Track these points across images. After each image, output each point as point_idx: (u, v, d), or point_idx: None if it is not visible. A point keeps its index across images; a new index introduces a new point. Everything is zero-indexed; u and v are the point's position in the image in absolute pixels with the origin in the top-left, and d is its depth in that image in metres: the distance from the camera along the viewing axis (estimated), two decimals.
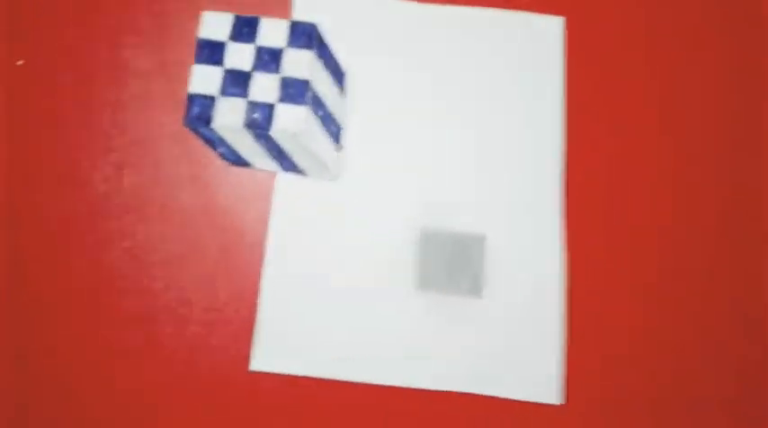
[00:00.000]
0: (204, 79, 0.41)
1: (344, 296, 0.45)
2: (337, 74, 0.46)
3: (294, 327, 0.45)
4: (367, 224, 0.46)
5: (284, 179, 0.48)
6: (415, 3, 0.50)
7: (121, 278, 0.47)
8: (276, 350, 0.45)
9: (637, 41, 0.50)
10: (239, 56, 0.42)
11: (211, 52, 0.42)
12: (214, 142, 0.42)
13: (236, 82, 0.41)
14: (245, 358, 0.45)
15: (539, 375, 0.45)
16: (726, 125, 0.49)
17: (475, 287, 0.46)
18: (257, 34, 0.42)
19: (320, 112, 0.42)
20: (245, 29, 0.42)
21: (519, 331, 0.46)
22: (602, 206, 0.48)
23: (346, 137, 0.49)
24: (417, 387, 0.44)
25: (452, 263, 0.46)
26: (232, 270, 0.47)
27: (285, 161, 0.44)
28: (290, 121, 0.40)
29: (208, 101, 0.41)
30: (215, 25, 0.43)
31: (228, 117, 0.40)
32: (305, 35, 0.42)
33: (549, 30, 0.49)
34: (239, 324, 0.46)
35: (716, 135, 0.49)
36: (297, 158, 0.43)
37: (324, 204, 0.47)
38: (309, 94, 0.40)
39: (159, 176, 0.50)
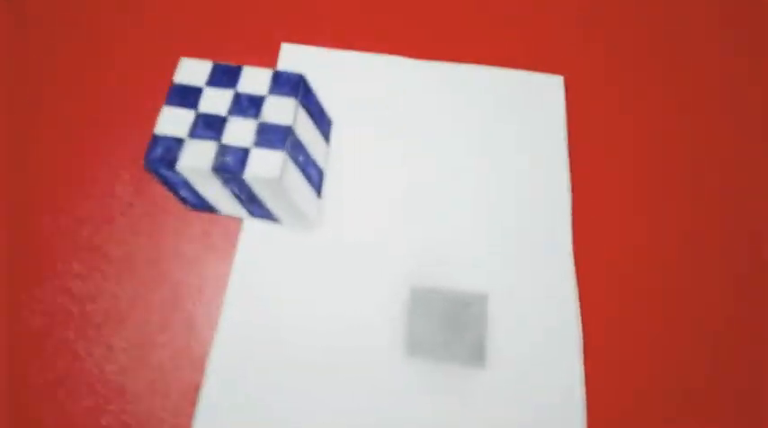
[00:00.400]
0: (172, 121, 0.38)
1: (315, 364, 0.37)
2: (322, 122, 0.42)
3: (248, 399, 0.36)
4: (347, 279, 0.39)
5: (252, 226, 0.41)
6: (410, 59, 0.47)
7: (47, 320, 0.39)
8: (221, 424, 0.35)
9: (632, 92, 0.48)
10: (215, 101, 0.39)
11: (184, 95, 0.40)
12: (176, 185, 0.37)
13: (209, 125, 0.38)
14: None
15: None
16: (728, 167, 0.44)
17: (476, 355, 0.37)
18: (238, 81, 0.40)
19: (300, 158, 0.38)
20: (224, 76, 0.40)
21: (532, 407, 0.37)
22: (611, 258, 0.42)
23: (328, 185, 0.43)
24: None
25: (449, 326, 0.38)
26: (182, 326, 0.38)
27: (257, 207, 0.38)
28: (266, 166, 0.36)
29: (173, 143, 0.37)
30: (192, 71, 0.40)
31: (196, 159, 0.37)
32: (289, 83, 0.40)
33: (549, 84, 0.46)
34: (181, 391, 0.36)
35: (716, 180, 0.44)
36: (271, 205, 0.38)
37: (297, 255, 0.40)
38: (290, 140, 0.37)
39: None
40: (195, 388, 0.39)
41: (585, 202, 0.44)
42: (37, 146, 0.46)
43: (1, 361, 0.39)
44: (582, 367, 0.38)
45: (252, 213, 0.41)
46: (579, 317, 0.39)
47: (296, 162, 0.39)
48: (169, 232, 0.43)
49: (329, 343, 0.38)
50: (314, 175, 0.41)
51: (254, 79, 0.41)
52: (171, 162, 0.37)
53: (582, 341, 0.39)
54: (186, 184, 0.38)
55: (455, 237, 0.41)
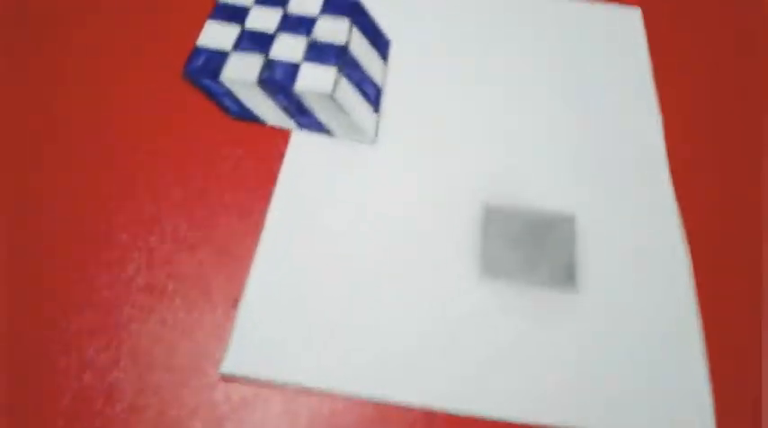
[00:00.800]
0: (216, 35, 0.35)
1: (370, 285, 0.31)
2: (379, 42, 0.38)
3: (290, 325, 0.31)
4: (409, 195, 0.34)
5: (302, 138, 0.37)
6: None
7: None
8: (260, 350, 0.30)
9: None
10: (263, 18, 0.36)
11: (230, 12, 0.37)
12: (219, 95, 0.34)
13: (255, 40, 0.36)
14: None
15: (681, 407, 0.29)
16: None
17: (565, 277, 0.31)
18: (288, 1, 0.37)
19: (355, 74, 0.34)
20: (271, 2, 0.38)
21: (640, 341, 0.30)
22: (710, 183, 0.36)
23: (388, 104, 0.38)
24: (476, 416, 0.27)
25: (530, 246, 0.32)
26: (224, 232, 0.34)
27: (307, 119, 0.34)
28: (318, 80, 0.32)
29: (216, 54, 0.33)
30: None
31: (240, 71, 0.34)
32: (343, 4, 0.37)
33: (627, 16, 0.41)
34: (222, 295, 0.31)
35: None
36: (323, 118, 0.34)
37: (351, 166, 0.35)
38: (343, 57, 0.34)
39: None
40: (236, 296, 0.33)
41: (674, 126, 0.39)
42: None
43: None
44: (694, 293, 0.32)
45: (301, 125, 0.36)
46: (685, 241, 0.33)
47: (349, 78, 0.35)
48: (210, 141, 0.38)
49: (385, 261, 0.33)
50: (370, 92, 0.37)
51: (304, 4, 0.37)
52: (214, 72, 0.34)
53: (691, 264, 0.33)
54: (229, 94, 0.35)
55: (531, 159, 0.36)
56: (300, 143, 0.37)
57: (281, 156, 0.37)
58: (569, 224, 0.33)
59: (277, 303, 0.32)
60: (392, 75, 0.40)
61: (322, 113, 0.34)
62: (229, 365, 0.30)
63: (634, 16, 0.41)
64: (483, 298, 0.31)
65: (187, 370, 0.30)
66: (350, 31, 0.36)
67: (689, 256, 0.33)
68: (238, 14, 0.37)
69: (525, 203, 0.34)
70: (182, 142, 0.38)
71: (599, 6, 0.42)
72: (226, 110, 0.37)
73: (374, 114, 0.36)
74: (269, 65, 0.34)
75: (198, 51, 0.35)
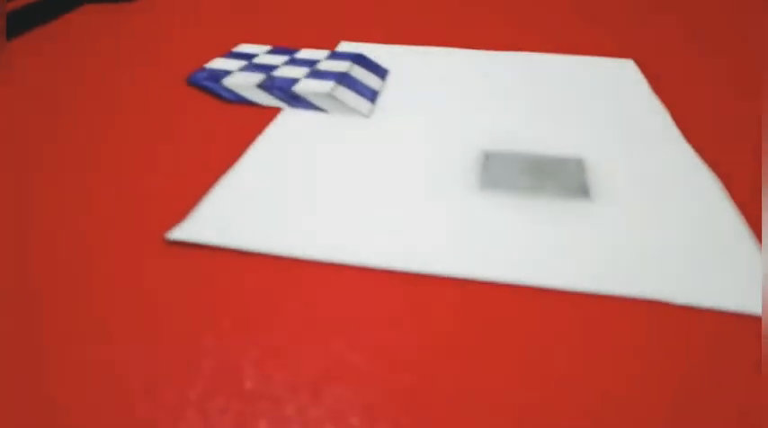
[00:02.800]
0: (223, 65, 0.38)
1: (361, 194, 0.27)
2: (378, 71, 0.39)
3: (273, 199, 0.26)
4: (405, 150, 0.31)
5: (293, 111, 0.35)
6: (467, 49, 0.45)
7: None
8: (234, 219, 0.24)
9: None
10: (270, 59, 0.39)
11: (240, 55, 0.41)
12: (217, 90, 0.34)
13: (260, 68, 0.39)
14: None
15: (727, 272, 0.21)
16: None
17: (579, 189, 0.26)
18: (295, 53, 0.42)
19: (353, 85, 0.35)
20: (282, 50, 0.42)
21: (673, 222, 0.24)
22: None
23: (385, 100, 0.37)
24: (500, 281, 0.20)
25: (537, 172, 0.28)
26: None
27: (302, 104, 0.34)
28: (316, 86, 0.34)
29: (221, 71, 0.36)
30: (251, 47, 0.41)
31: (242, 80, 0.37)
32: (346, 55, 0.41)
33: (623, 67, 0.42)
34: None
35: None
36: (320, 104, 0.33)
37: (344, 129, 0.32)
38: (342, 78, 0.37)
39: None
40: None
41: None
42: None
43: None
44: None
45: (294, 106, 0.35)
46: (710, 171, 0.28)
47: (347, 86, 0.35)
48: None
49: (377, 185, 0.28)
50: (367, 94, 0.37)
51: (311, 53, 0.40)
52: (216, 80, 0.35)
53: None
54: (228, 90, 0.35)
55: (531, 115, 0.33)
56: (291, 112, 0.35)
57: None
58: (577, 161, 0.29)
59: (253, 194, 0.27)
60: (388, 86, 0.40)
61: (319, 103, 0.34)
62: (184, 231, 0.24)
63: (629, 66, 0.43)
64: (484, 205, 0.26)
65: None
66: (351, 66, 0.38)
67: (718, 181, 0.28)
68: (247, 56, 0.40)
69: (528, 150, 0.30)
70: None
71: (593, 59, 0.44)
72: (221, 98, 0.37)
73: (370, 104, 0.36)
74: (270, 77, 0.36)
75: (203, 68, 0.37)
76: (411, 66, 0.43)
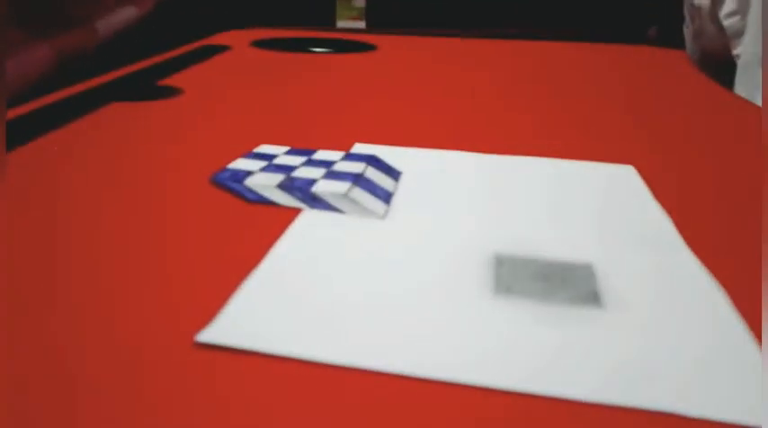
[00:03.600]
0: (244, 165, 0.41)
1: (379, 298, 0.27)
2: (391, 173, 0.41)
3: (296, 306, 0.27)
4: (420, 253, 0.32)
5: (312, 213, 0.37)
6: (483, 154, 0.48)
7: None
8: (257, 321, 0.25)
9: None
10: (289, 159, 0.42)
11: (260, 156, 0.44)
12: (239, 190, 0.36)
13: (280, 168, 0.41)
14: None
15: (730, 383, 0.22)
16: None
17: (590, 296, 0.27)
18: (312, 154, 0.44)
19: (369, 186, 0.37)
20: (300, 152, 0.45)
21: (679, 335, 0.25)
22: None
23: (399, 200, 0.39)
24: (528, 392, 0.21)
25: (549, 278, 0.29)
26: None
27: (320, 204, 0.36)
28: (334, 187, 0.36)
29: (243, 172, 0.39)
30: (269, 148, 0.44)
31: (263, 180, 0.39)
32: (361, 157, 0.44)
33: (624, 173, 0.44)
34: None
35: None
36: (337, 203, 0.35)
37: (359, 230, 0.34)
38: (358, 179, 0.39)
39: None
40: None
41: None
42: None
43: None
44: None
45: (313, 207, 0.37)
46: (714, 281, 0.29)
47: (363, 187, 0.37)
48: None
49: (391, 285, 0.29)
50: (382, 194, 0.38)
51: (327, 154, 0.43)
52: (238, 180, 0.37)
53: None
54: (250, 191, 0.37)
55: (543, 222, 0.34)
56: (311, 212, 0.37)
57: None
58: (586, 267, 0.30)
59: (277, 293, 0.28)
60: (401, 187, 0.42)
61: (336, 203, 0.36)
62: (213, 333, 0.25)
63: (629, 171, 0.45)
64: (497, 309, 0.27)
65: None
66: (365, 168, 0.40)
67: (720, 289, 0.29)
68: (267, 157, 0.42)
69: (538, 254, 0.32)
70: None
71: (592, 164, 0.46)
72: (244, 198, 0.38)
73: (385, 205, 0.37)
74: (289, 178, 0.38)
75: (226, 169, 0.39)
76: (423, 168, 0.45)
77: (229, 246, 0.33)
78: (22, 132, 0.52)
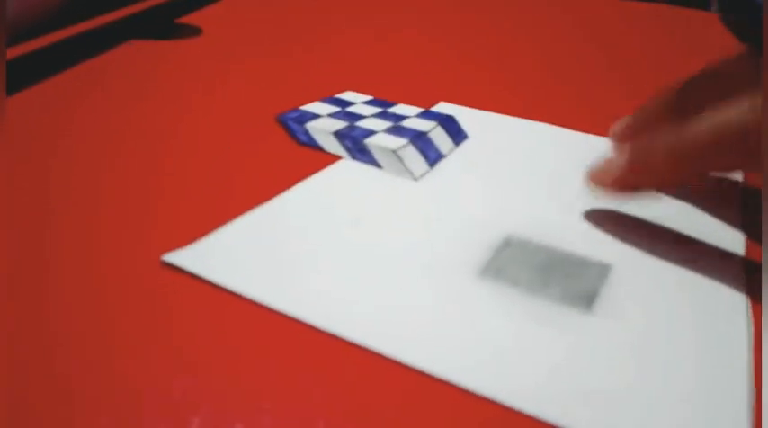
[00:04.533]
0: (318, 109, 0.42)
1: (365, 260, 0.28)
2: (457, 136, 0.40)
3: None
4: (431, 223, 0.31)
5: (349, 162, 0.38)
6: (573, 131, 0.44)
7: None
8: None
9: None
10: (363, 109, 0.42)
11: (340, 100, 0.45)
12: (296, 132, 0.38)
13: (348, 116, 0.42)
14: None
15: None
16: None
17: (583, 298, 0.25)
18: (390, 106, 0.45)
19: (424, 146, 0.37)
20: (379, 102, 0.45)
21: (667, 363, 0.22)
22: None
23: (446, 164, 0.39)
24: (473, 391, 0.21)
25: (551, 268, 0.27)
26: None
27: (364, 156, 0.36)
28: (387, 142, 0.36)
29: (309, 114, 0.40)
30: (352, 95, 0.44)
31: (324, 125, 0.40)
32: (437, 116, 0.43)
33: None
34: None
35: None
36: (379, 158, 0.35)
37: (383, 195, 0.34)
38: (418, 137, 0.39)
39: None
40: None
41: None
42: None
43: None
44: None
45: (355, 158, 0.38)
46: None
47: (417, 147, 0.37)
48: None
49: (386, 248, 0.29)
50: (432, 157, 0.38)
51: (405, 109, 0.43)
52: (302, 121, 0.38)
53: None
54: (306, 133, 0.38)
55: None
56: (347, 163, 0.38)
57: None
58: (602, 267, 0.27)
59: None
60: (458, 152, 0.41)
61: (379, 158, 0.36)
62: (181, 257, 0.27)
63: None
64: (471, 293, 0.26)
65: None
66: (434, 127, 0.40)
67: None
68: (343, 103, 0.43)
69: (559, 243, 0.29)
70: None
71: None
72: (296, 137, 0.40)
73: (428, 167, 0.37)
74: (350, 127, 0.38)
75: (297, 109, 0.41)
76: (492, 136, 0.43)
77: (248, 182, 0.35)
78: (36, 69, 0.51)
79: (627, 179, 0.29)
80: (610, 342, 0.24)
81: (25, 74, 0.50)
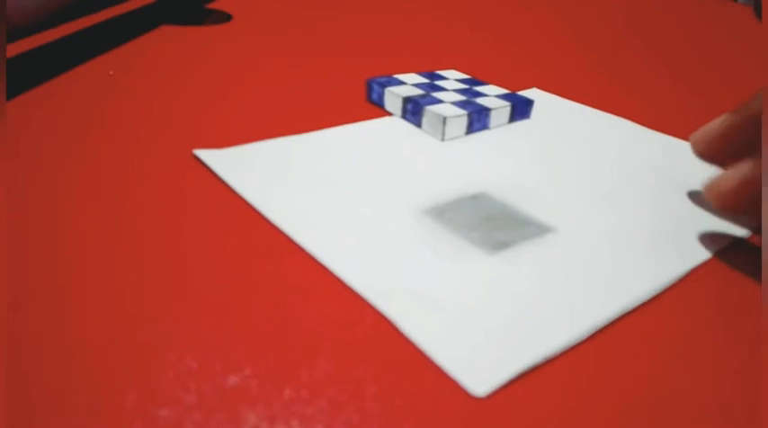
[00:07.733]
0: (411, 79, 0.47)
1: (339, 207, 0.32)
2: (520, 117, 0.43)
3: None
4: (421, 178, 0.35)
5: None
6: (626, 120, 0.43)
7: None
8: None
9: None
10: (452, 85, 0.46)
11: (436, 75, 0.50)
12: (374, 91, 0.44)
13: (431, 88, 0.47)
14: None
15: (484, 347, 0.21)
16: None
17: (494, 245, 0.28)
18: (477, 86, 0.48)
19: (476, 120, 0.40)
20: (472, 82, 0.49)
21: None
22: None
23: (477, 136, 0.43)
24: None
25: (492, 219, 0.29)
26: None
27: (413, 118, 0.41)
28: (444, 110, 0.40)
29: (396, 80, 0.45)
30: (454, 73, 0.48)
31: (401, 91, 0.45)
32: (516, 98, 0.46)
33: None
34: None
35: None
36: (426, 120, 0.40)
37: (402, 145, 0.39)
38: (480, 112, 0.42)
39: None
40: None
41: None
42: None
43: None
44: None
45: (404, 118, 0.42)
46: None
47: (470, 118, 0.40)
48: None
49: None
50: (476, 127, 0.41)
51: (491, 89, 0.46)
52: (385, 85, 0.44)
53: None
54: (380, 95, 0.44)
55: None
56: (392, 120, 0.44)
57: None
58: (542, 229, 0.29)
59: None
60: (505, 128, 0.44)
61: (426, 119, 0.40)
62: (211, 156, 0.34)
63: None
64: (411, 225, 0.29)
65: None
66: (503, 108, 0.42)
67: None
68: (438, 77, 0.48)
69: (516, 205, 0.31)
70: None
71: None
72: (370, 96, 0.46)
73: (462, 133, 0.40)
74: (424, 96, 0.43)
75: (390, 77, 0.47)
76: (548, 119, 0.46)
77: (305, 112, 0.42)
78: (67, 55, 0.51)
79: (737, 204, 0.30)
80: (488, 279, 0.26)
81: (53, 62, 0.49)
